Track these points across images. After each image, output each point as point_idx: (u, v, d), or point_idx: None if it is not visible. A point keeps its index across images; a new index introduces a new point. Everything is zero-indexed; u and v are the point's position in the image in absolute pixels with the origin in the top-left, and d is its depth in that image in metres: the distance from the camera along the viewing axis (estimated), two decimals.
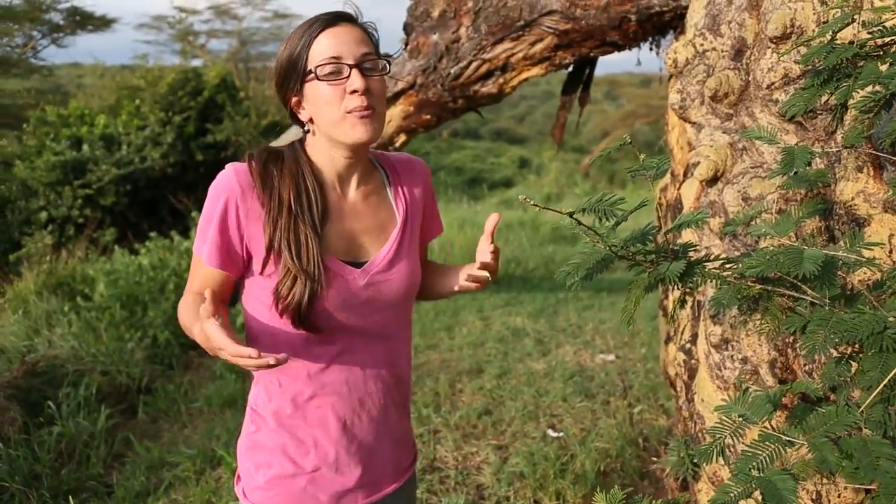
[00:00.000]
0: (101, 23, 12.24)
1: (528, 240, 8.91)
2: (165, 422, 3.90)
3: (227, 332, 1.09)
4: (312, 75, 1.23)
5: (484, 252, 1.33)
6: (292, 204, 1.24)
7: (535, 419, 3.71)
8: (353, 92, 1.22)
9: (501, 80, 2.53)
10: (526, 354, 4.84)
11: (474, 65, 2.51)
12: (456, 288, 1.45)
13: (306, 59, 1.23)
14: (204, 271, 1.28)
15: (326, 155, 1.30)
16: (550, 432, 3.55)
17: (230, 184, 1.25)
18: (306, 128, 1.31)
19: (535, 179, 16.82)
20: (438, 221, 1.53)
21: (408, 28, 2.76)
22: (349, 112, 1.23)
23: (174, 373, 4.53)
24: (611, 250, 1.08)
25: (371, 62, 1.26)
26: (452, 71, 2.57)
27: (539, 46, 2.40)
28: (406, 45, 2.78)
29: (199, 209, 1.25)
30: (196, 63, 12.09)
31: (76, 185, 7.97)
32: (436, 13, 2.61)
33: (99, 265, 5.72)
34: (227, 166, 1.28)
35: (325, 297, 1.25)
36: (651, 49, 2.46)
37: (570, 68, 2.59)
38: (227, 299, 1.34)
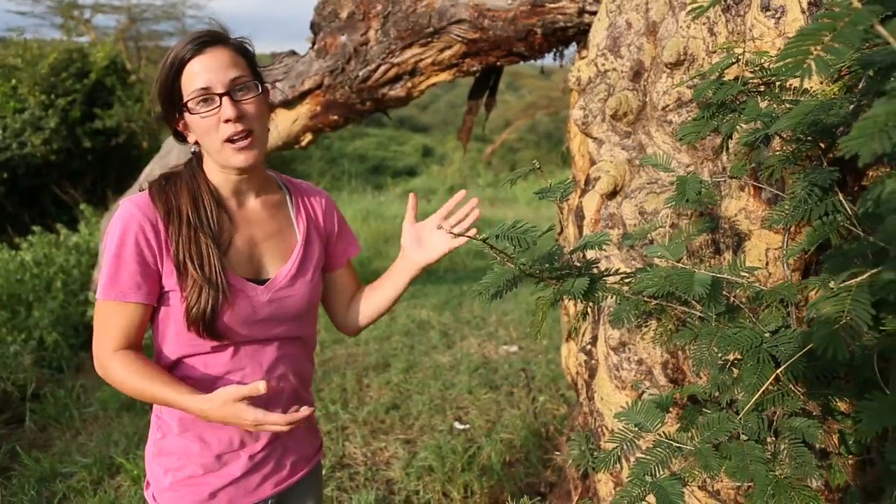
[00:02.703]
0: None
1: None
2: (56, 430, 3.70)
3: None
4: (186, 108, 1.24)
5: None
6: (190, 216, 1.27)
7: (442, 412, 3.79)
8: (227, 121, 1.23)
9: (410, 85, 2.56)
10: (432, 347, 4.91)
11: (383, 68, 2.53)
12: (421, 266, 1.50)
13: (180, 90, 1.24)
14: (125, 312, 1.26)
15: (221, 173, 1.33)
16: (457, 425, 3.64)
17: (133, 216, 1.24)
18: (193, 149, 1.34)
19: (438, 169, 16.93)
20: (354, 244, 1.56)
21: (315, 27, 2.73)
22: (226, 141, 1.24)
23: (64, 377, 4.30)
24: (520, 269, 1.15)
25: (243, 85, 1.25)
26: (361, 73, 2.57)
27: (448, 53, 2.45)
28: (313, 44, 2.76)
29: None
30: (80, 41, 11.27)
31: None
32: (344, 14, 2.59)
33: None
34: (122, 202, 1.28)
35: (229, 314, 1.28)
36: (555, 59, 2.56)
37: (478, 75, 2.66)
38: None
